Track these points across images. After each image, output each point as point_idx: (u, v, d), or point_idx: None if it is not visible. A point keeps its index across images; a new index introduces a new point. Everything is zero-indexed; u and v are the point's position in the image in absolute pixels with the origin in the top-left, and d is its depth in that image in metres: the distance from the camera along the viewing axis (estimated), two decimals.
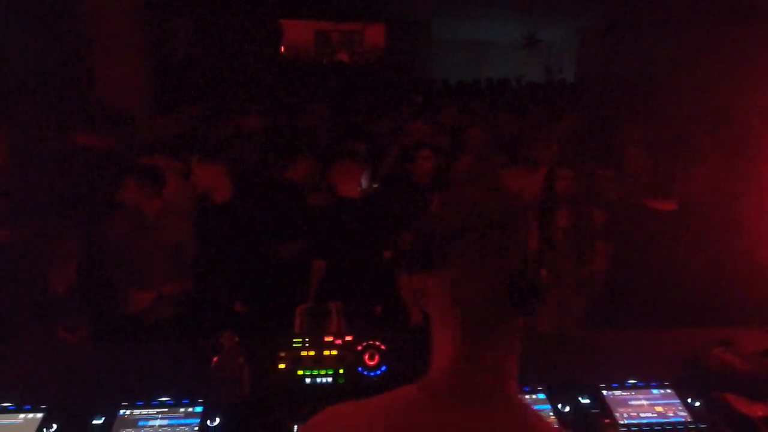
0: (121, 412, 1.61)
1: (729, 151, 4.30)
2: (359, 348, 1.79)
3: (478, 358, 0.89)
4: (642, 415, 1.67)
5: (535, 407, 1.67)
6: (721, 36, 6.58)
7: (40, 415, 1.58)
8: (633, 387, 1.77)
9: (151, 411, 1.62)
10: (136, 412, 1.61)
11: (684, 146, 4.18)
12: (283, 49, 13.77)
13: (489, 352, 0.89)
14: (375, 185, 4.44)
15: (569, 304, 3.40)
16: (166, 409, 1.62)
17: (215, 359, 1.65)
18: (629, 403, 1.71)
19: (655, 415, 1.68)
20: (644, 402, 1.72)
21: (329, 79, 10.64)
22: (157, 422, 1.58)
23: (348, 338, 1.83)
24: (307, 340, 1.84)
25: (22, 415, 1.59)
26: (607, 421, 1.64)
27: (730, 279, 3.03)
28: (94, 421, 1.56)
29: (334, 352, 1.79)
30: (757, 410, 1.65)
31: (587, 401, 1.70)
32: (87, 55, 5.94)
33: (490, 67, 14.29)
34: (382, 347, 1.79)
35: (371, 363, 1.77)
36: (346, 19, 12.88)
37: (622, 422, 1.64)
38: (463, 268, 0.87)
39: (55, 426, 1.55)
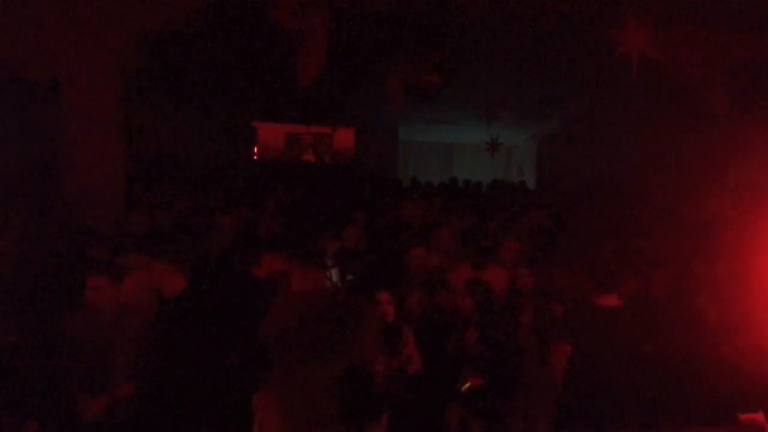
0: None
1: (684, 252, 4.48)
2: None
3: None
4: None
5: None
6: (675, 141, 7.04)
7: None
8: None
9: None
10: None
11: (637, 246, 4.35)
12: (256, 149, 14.17)
13: None
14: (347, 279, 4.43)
15: (537, 409, 3.33)
16: None
17: None
18: None
19: None
20: None
21: (300, 178, 10.91)
22: None
23: None
24: None
25: None
26: None
27: (695, 375, 3.04)
28: None
29: None
30: None
31: None
32: (61, 147, 5.94)
33: (455, 167, 14.95)
34: None
35: None
36: (316, 123, 13.44)
37: None
38: (288, 376, 0.76)
39: None
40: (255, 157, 14.02)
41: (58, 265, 4.01)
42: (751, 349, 2.90)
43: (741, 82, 6.10)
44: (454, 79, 6.49)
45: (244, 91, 10.14)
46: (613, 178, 8.76)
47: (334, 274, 4.35)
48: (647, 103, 7.52)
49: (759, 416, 1.95)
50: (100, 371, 2.96)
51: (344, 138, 14.20)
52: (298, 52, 5.31)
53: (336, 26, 5.39)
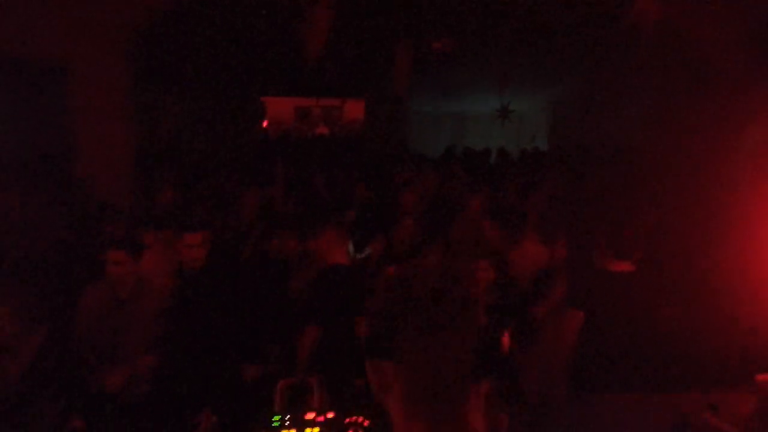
0: None
1: (700, 214, 4.43)
2: (342, 425, 1.74)
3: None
4: None
5: None
6: (691, 106, 6.91)
7: None
8: None
9: None
10: None
11: (652, 210, 4.30)
12: (266, 124, 14.15)
13: (455, 425, 0.85)
14: (361, 254, 4.45)
15: (551, 371, 3.37)
16: None
17: None
18: None
19: None
20: None
21: (312, 151, 10.90)
22: None
23: (330, 415, 1.78)
24: (287, 418, 1.78)
25: None
26: None
27: (708, 338, 3.04)
28: None
29: (316, 430, 1.73)
30: None
31: None
32: (71, 130, 6.00)
33: (466, 137, 14.81)
34: (366, 423, 1.74)
35: None
36: (325, 96, 13.35)
37: None
38: (415, 348, 0.83)
39: None
40: (265, 133, 14.01)
41: (76, 242, 4.09)
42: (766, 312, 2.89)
43: (759, 45, 5.93)
44: (465, 45, 6.38)
45: (251, 66, 10.07)
46: (627, 143, 8.64)
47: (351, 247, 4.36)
48: (662, 67, 7.36)
49: None
50: (120, 344, 3.03)
51: (354, 110, 14.10)
52: (303, 24, 5.24)
53: None
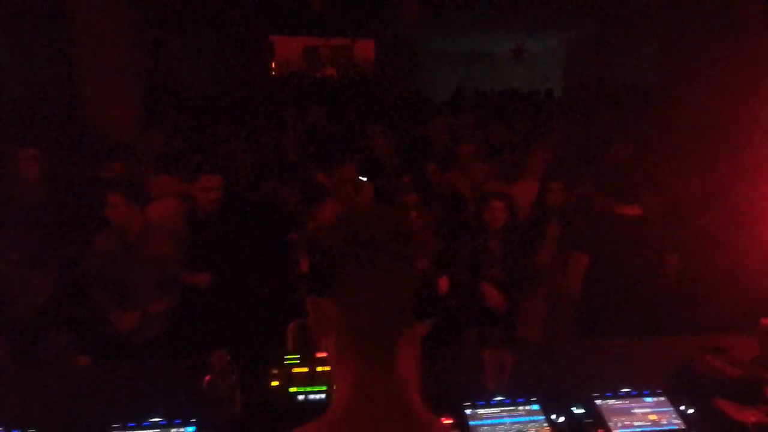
0: None
1: (714, 161, 4.35)
2: None
3: (376, 376, 0.86)
4: (636, 423, 1.68)
5: (529, 418, 1.67)
6: (709, 47, 6.67)
7: None
8: (626, 396, 1.77)
9: None
10: None
11: (668, 155, 4.23)
12: (273, 65, 13.87)
13: (386, 368, 0.86)
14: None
15: (557, 315, 3.42)
16: (157, 430, 1.60)
17: (207, 379, 1.65)
18: (623, 412, 1.71)
19: (649, 423, 1.68)
20: (638, 410, 1.72)
21: (321, 92, 10.71)
22: None
23: None
24: (299, 356, 1.83)
25: None
26: (601, 430, 1.64)
27: (715, 285, 3.05)
28: None
29: (327, 368, 1.79)
30: (749, 416, 1.66)
31: (581, 411, 1.70)
32: (76, 74, 5.92)
33: (478, 78, 14.45)
34: None
35: None
36: (334, 35, 12.98)
37: (616, 431, 1.65)
38: (353, 286, 0.84)
39: None
40: (272, 73, 13.74)
41: (84, 185, 4.10)
42: None
43: None
44: None
45: (259, 2, 9.75)
46: (640, 85, 8.40)
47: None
48: (684, 7, 7.05)
49: None
50: (131, 289, 3.07)
51: (364, 50, 13.74)
52: None
53: None
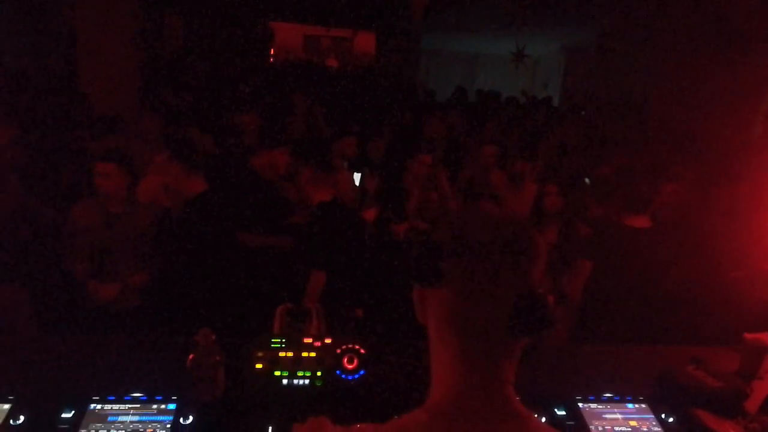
0: (92, 406, 1.57)
1: (705, 175, 4.39)
2: (338, 351, 1.78)
3: (481, 378, 0.88)
4: (616, 429, 1.69)
5: None
6: (706, 61, 6.73)
7: (7, 406, 1.54)
8: (609, 401, 1.78)
9: (122, 406, 1.58)
10: (107, 406, 1.58)
11: (662, 167, 4.25)
12: (273, 51, 13.76)
13: (491, 371, 0.88)
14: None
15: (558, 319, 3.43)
16: (138, 405, 1.59)
17: (191, 357, 1.63)
18: (604, 416, 1.73)
19: (630, 429, 1.69)
20: (619, 416, 1.73)
21: (321, 81, 10.61)
22: (128, 418, 1.55)
23: (327, 341, 1.81)
24: (285, 340, 1.82)
25: None
26: None
27: (703, 298, 3.09)
28: (63, 415, 1.52)
29: (313, 354, 1.78)
30: (728, 428, 1.68)
31: (563, 413, 1.71)
32: (75, 50, 5.87)
33: (477, 79, 14.47)
34: (362, 351, 1.79)
35: (350, 366, 1.76)
36: (336, 26, 12.88)
37: None
38: (463, 287, 0.85)
39: (23, 417, 1.51)
40: (271, 60, 13.63)
41: (74, 155, 4.05)
42: (764, 274, 2.92)
43: None
44: None
45: None
46: (643, 96, 8.46)
47: (356, 179, 4.32)
48: (685, 20, 7.10)
49: (764, 336, 1.99)
50: (112, 260, 3.03)
51: (365, 43, 13.66)
52: None
53: None
